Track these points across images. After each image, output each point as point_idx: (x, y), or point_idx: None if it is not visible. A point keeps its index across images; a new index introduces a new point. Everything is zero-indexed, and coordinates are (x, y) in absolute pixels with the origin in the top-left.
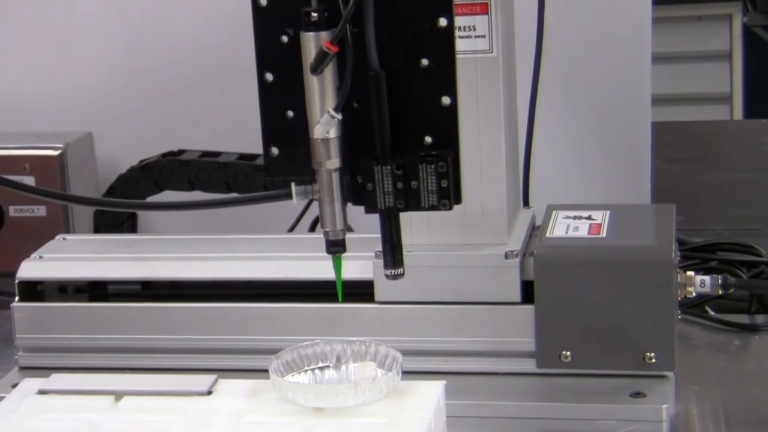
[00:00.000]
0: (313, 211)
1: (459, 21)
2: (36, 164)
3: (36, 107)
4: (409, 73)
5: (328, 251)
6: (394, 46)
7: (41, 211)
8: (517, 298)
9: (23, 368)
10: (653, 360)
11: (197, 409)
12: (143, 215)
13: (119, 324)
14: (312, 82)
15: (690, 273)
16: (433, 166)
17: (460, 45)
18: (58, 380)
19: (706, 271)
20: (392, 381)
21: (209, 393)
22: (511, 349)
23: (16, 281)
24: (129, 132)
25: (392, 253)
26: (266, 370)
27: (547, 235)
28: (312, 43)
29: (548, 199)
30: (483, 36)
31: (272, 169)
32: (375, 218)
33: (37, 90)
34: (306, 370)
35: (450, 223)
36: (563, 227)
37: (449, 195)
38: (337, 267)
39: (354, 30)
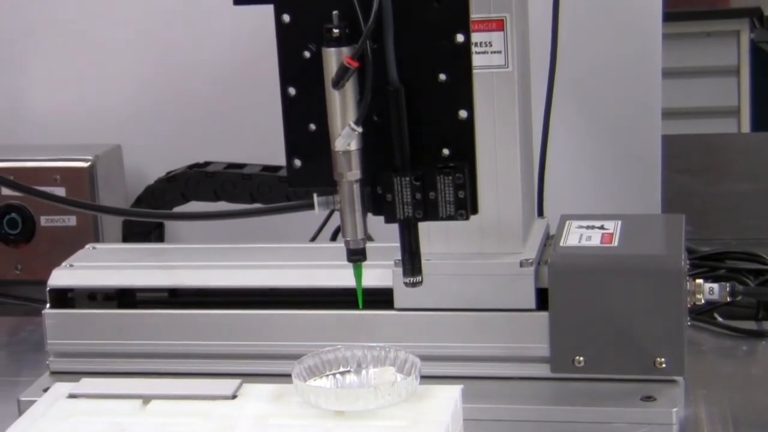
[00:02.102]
0: (335, 221)
1: (476, 37)
2: (66, 176)
3: (67, 121)
4: (428, 88)
5: (349, 260)
6: (412, 61)
7: (71, 221)
8: (532, 305)
9: (54, 373)
10: (663, 365)
11: (222, 412)
12: (170, 225)
13: (147, 330)
14: (333, 97)
15: (699, 281)
16: (450, 178)
17: (477, 60)
18: (87, 384)
19: (715, 279)
20: (411, 385)
21: (234, 397)
22: (526, 354)
23: (48, 289)
24: (156, 145)
25: (411, 261)
26: (289, 375)
27: (561, 244)
28: (333, 58)
29: (562, 209)
30: (499, 52)
31: (295, 180)
32: (394, 228)
33: (68, 104)
34: (328, 375)
35: (467, 233)
36: (576, 236)
37: (466, 205)
38: (358, 275)
39: (374, 46)
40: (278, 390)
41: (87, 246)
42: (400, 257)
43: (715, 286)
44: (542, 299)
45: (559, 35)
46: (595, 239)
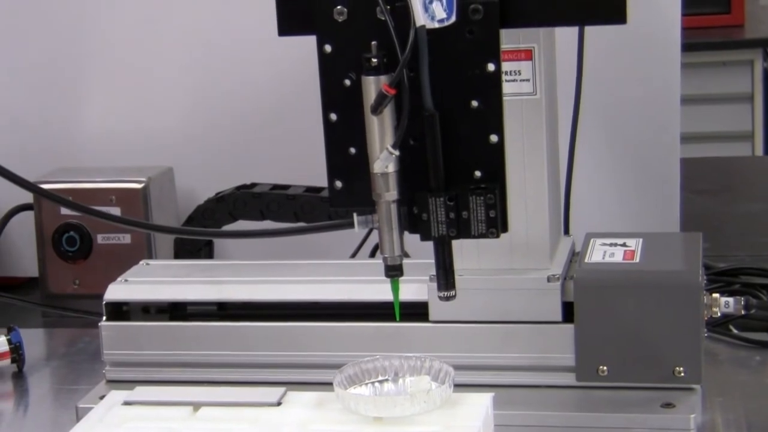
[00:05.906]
0: (373, 239)
1: (506, 66)
2: (121, 196)
3: (121, 144)
4: (461, 114)
5: (387, 275)
6: (447, 88)
7: (126, 238)
8: (559, 317)
9: (110, 381)
10: (682, 374)
11: (268, 418)
12: (219, 242)
13: (197, 341)
14: (372, 122)
15: (715, 295)
16: (482, 198)
17: (507, 88)
18: (141, 392)
19: (730, 294)
20: (445, 393)
21: (279, 404)
22: (553, 364)
23: (104, 302)
24: (206, 167)
25: (445, 276)
26: (331, 383)
27: (586, 260)
28: (372, 86)
29: (587, 227)
30: (527, 80)
31: (336, 201)
32: (429, 245)
33: (123, 128)
34: (367, 383)
35: (497, 250)
36: (600, 253)
37: (497, 224)
38: (395, 289)
39: (410, 74)
40: (320, 397)
41: (141, 262)
42: (434, 273)
43: (731, 299)
44: (568, 312)
45: (585, 64)
46: (617, 256)
